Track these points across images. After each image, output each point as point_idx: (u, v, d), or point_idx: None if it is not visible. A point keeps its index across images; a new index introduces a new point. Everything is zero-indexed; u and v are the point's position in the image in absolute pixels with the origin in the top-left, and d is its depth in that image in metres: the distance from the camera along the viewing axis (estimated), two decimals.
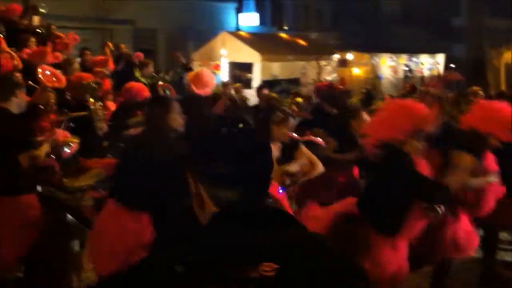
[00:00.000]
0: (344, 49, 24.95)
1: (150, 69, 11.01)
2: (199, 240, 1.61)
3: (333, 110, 8.16)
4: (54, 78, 6.72)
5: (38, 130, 5.37)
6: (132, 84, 6.95)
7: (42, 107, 6.19)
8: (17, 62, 7.19)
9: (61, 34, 10.38)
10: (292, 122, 4.60)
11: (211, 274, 1.51)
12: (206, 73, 6.82)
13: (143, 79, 10.39)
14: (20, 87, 4.43)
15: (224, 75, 19.38)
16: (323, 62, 22.27)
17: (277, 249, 1.52)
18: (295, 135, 4.68)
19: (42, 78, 6.40)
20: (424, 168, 3.71)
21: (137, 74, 10.83)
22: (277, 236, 1.57)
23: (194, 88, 6.74)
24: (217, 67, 19.41)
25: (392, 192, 3.62)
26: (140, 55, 11.88)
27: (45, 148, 4.39)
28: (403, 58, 28.51)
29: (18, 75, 6.17)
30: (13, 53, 7.46)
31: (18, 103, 4.35)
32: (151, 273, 3.23)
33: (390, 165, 3.67)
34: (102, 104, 6.33)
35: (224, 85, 10.99)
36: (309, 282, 1.48)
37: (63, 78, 7.09)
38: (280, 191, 4.34)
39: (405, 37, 35.80)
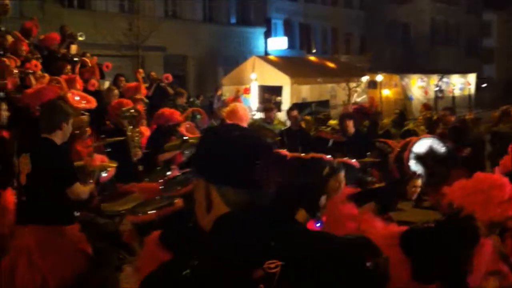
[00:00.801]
0: (373, 70, 24.90)
1: (184, 99, 11.19)
2: (203, 242, 1.64)
3: (352, 131, 8.14)
4: (84, 101, 6.88)
5: (74, 154, 5.45)
6: (164, 109, 7.04)
7: (77, 132, 6.33)
8: (64, 91, 7.27)
9: (88, 61, 10.63)
10: (342, 174, 4.42)
11: (217, 276, 1.54)
12: (240, 107, 6.82)
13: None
14: (67, 119, 4.35)
15: (254, 98, 19.51)
16: (352, 84, 22.23)
17: (281, 247, 1.55)
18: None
19: (72, 102, 6.55)
20: (486, 250, 3.53)
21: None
22: (280, 233, 1.60)
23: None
24: (247, 90, 19.55)
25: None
26: (169, 76, 12.06)
27: (91, 186, 4.43)
28: (434, 79, 28.24)
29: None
30: (62, 81, 7.55)
31: (62, 134, 4.31)
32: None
33: (456, 232, 3.53)
34: (138, 130, 6.41)
35: (267, 109, 10.66)
36: (313, 277, 1.51)
37: (93, 100, 7.25)
38: (318, 225, 4.28)
39: (435, 57, 35.60)
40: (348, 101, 20.56)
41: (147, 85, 11.72)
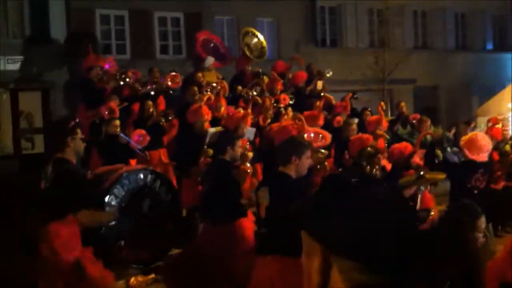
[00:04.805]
0: None
1: (424, 127, 10.93)
2: None
3: None
4: (320, 136, 7.23)
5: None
6: (401, 145, 6.96)
7: (318, 167, 6.66)
8: (304, 129, 7.66)
9: (331, 98, 11.12)
10: None
11: None
12: (480, 137, 6.34)
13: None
14: (300, 154, 4.50)
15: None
16: None
17: None
18: None
19: (309, 140, 6.91)
20: None
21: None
22: None
23: (467, 153, 6.28)
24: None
25: None
26: (417, 116, 11.80)
27: None
28: None
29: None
30: (303, 119, 7.94)
31: (296, 168, 4.47)
32: None
33: None
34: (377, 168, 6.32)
35: None
36: None
37: (328, 136, 7.56)
38: None
39: None
40: None
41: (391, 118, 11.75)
